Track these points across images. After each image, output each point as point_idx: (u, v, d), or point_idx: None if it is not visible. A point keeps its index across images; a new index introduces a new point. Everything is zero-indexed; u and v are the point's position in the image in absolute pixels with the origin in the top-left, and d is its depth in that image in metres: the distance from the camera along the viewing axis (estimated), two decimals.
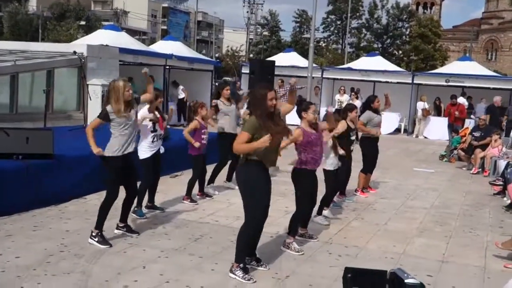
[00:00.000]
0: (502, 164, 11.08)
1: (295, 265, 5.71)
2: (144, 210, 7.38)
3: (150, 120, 7.15)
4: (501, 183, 9.98)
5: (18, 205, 6.97)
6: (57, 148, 7.78)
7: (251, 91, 5.56)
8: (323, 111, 18.02)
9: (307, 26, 67.45)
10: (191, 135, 8.09)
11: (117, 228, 6.41)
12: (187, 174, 8.81)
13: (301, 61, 26.21)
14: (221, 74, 51.33)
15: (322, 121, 7.20)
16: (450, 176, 12.58)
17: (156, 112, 7.29)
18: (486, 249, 6.68)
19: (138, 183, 6.72)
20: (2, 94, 13.16)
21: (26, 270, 5.10)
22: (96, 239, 5.95)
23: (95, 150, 5.94)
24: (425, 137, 21.47)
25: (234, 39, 70.05)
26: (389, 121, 20.59)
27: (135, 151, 6.60)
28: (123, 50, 16.45)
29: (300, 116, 6.39)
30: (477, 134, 13.66)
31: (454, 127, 17.03)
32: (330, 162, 7.45)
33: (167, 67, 19.67)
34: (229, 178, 9.33)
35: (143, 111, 7.17)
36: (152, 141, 7.18)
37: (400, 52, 66.50)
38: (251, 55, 60.19)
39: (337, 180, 7.83)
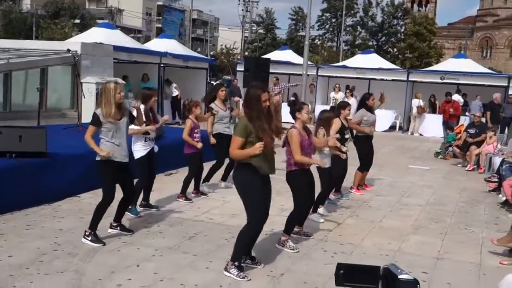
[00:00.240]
0: (497, 160, 11.09)
1: (290, 263, 5.69)
2: (139, 208, 7.34)
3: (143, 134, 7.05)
4: (496, 179, 9.99)
5: (11, 203, 6.92)
6: (51, 146, 7.73)
7: (246, 90, 5.52)
8: (318, 109, 18.00)
9: (303, 24, 67.41)
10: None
11: (110, 227, 6.36)
12: (182, 172, 8.78)
13: (296, 59, 26.17)
14: (216, 72, 51.28)
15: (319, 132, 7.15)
16: (445, 173, 12.58)
17: (150, 114, 7.19)
18: (482, 245, 6.68)
19: (135, 181, 6.67)
20: None
21: (18, 269, 5.06)
22: (90, 238, 5.90)
23: (103, 153, 5.81)
24: (420, 134, 21.48)
25: (229, 37, 69.97)
26: (384, 118, 20.61)
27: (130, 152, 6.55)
28: (117, 48, 16.38)
29: (294, 117, 6.35)
30: (472, 131, 13.67)
31: (449, 124, 17.02)
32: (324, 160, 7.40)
33: (162, 65, 19.60)
34: (224, 178, 9.28)
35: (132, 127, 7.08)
36: (145, 141, 7.14)
37: (395, 50, 66.55)
38: (246, 53, 60.10)
39: (332, 178, 7.80)
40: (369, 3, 66.99)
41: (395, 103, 21.80)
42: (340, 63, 29.31)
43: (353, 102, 16.12)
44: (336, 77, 23.49)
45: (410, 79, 22.41)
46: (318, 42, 67.98)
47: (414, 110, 21.58)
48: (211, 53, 65.49)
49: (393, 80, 22.77)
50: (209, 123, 8.83)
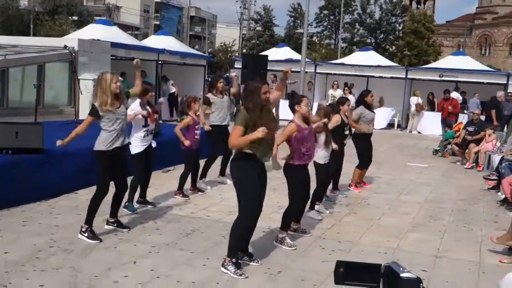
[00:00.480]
0: (496, 158, 11.05)
1: (288, 260, 5.65)
2: (136, 205, 7.30)
3: (142, 116, 7.05)
4: (495, 177, 9.95)
5: (7, 200, 6.86)
6: (48, 142, 7.65)
7: (245, 85, 5.51)
8: (316, 106, 17.95)
9: (301, 21, 67.31)
10: (183, 131, 8.00)
11: (107, 224, 6.32)
12: (179, 169, 8.73)
13: (294, 57, 26.09)
14: (213, 69, 51.19)
15: (313, 115, 7.11)
16: (444, 171, 12.55)
17: (148, 107, 7.19)
18: (481, 243, 6.64)
19: (129, 178, 6.63)
20: None
21: (14, 266, 5.02)
22: (86, 235, 5.86)
23: (60, 142, 5.90)
24: (419, 132, 21.44)
25: (227, 35, 69.83)
26: (382, 116, 20.57)
27: (127, 146, 6.51)
28: (115, 45, 16.31)
29: (293, 110, 6.31)
30: (471, 128, 13.62)
31: (447, 122, 17.00)
32: (321, 156, 7.36)
33: (160, 62, 19.54)
34: (222, 173, 9.24)
35: (134, 105, 7.09)
36: (144, 136, 7.09)
37: (394, 47, 66.47)
38: (244, 50, 60.00)
39: (328, 174, 7.77)
40: (367, 0, 66.90)
41: (393, 100, 21.79)
42: (338, 61, 29.26)
43: (351, 99, 16.04)
44: (335, 74, 23.43)
45: (408, 76, 22.35)
46: (316, 40, 67.88)
47: (413, 108, 21.53)
48: (209, 50, 65.36)
49: (391, 77, 22.72)
50: (203, 112, 8.77)
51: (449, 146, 14.59)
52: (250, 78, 6.01)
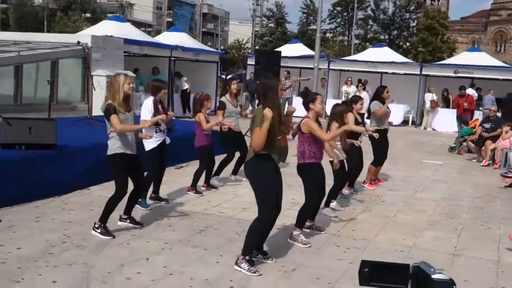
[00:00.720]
0: None
1: (303, 258, 5.57)
2: (149, 201, 7.25)
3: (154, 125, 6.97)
4: None
5: (20, 195, 6.85)
6: (61, 138, 7.66)
7: (260, 82, 5.44)
8: (329, 103, 17.82)
9: (314, 18, 67.03)
10: (195, 129, 8.02)
11: (120, 220, 6.28)
12: (193, 166, 8.69)
13: (307, 53, 25.95)
14: (226, 66, 51.15)
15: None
16: (460, 168, 12.39)
17: (160, 106, 7.11)
18: (499, 242, 6.51)
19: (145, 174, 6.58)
20: (6, 85, 13.07)
21: (27, 262, 4.99)
22: (99, 231, 5.82)
23: (146, 124, 6.07)
24: (433, 129, 21.24)
25: (240, 31, 69.75)
26: (397, 113, 20.37)
27: (140, 142, 6.46)
28: (128, 41, 16.30)
29: (307, 108, 6.21)
30: (487, 125, 13.45)
31: (463, 119, 16.80)
32: (337, 153, 7.26)
33: (172, 58, 19.51)
34: (235, 172, 9.17)
35: (147, 102, 7.03)
36: (156, 132, 7.03)
37: (407, 44, 66.00)
38: (256, 47, 59.88)
39: (344, 172, 7.67)
40: None
41: (408, 97, 21.58)
42: (352, 57, 29.05)
43: (365, 96, 15.94)
44: (348, 70, 23.26)
45: (423, 73, 22.14)
46: (329, 36, 67.57)
47: (427, 105, 21.32)
48: (221, 47, 65.33)
49: (406, 74, 22.52)
50: (220, 117, 8.67)
51: (464, 143, 14.41)
52: (263, 75, 5.92)
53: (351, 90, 19.93)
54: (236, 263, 5.10)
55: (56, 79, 13.34)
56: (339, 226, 6.82)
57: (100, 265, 5.02)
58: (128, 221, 6.29)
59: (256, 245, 5.31)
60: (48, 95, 11.48)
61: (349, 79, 20.79)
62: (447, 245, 6.29)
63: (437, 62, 34.29)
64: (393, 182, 10.02)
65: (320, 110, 6.16)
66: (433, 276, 1.53)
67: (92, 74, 13.00)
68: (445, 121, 20.58)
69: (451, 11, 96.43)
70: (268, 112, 4.89)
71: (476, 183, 10.56)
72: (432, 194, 9.23)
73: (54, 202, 7.12)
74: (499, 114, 14.97)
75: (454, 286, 1.55)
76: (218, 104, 9.01)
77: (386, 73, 22.67)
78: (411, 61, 30.37)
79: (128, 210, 6.31)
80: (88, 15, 51.66)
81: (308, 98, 6.19)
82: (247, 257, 5.11)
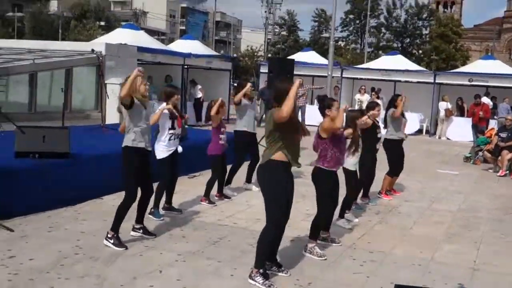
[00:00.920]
0: None
1: (318, 271, 5.46)
2: (161, 211, 7.18)
3: (169, 118, 6.93)
4: None
5: (33, 205, 6.81)
6: (74, 147, 7.62)
7: (274, 85, 5.36)
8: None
9: (326, 26, 66.98)
10: (210, 137, 7.97)
11: (133, 230, 6.21)
12: (206, 175, 8.61)
13: (320, 61, 25.89)
14: (239, 74, 51.17)
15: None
16: (476, 178, 12.22)
17: (174, 111, 7.08)
18: None
19: (155, 184, 6.52)
20: (21, 93, 13.12)
21: (39, 273, 4.92)
22: (112, 241, 5.75)
23: (167, 106, 6.31)
24: (448, 138, 21.03)
25: (252, 39, 69.87)
26: (411, 122, 20.15)
27: (152, 151, 6.41)
28: (141, 49, 16.32)
29: (323, 114, 6.12)
30: (503, 135, 13.25)
31: (479, 128, 16.60)
32: (351, 162, 7.15)
33: (185, 66, 19.51)
34: (248, 180, 9.09)
35: (161, 107, 7.00)
36: (169, 139, 6.98)
37: (420, 52, 65.68)
38: (269, 55, 59.91)
39: (358, 181, 7.56)
40: (393, 4, 66.27)
41: (422, 106, 21.39)
42: (365, 65, 28.92)
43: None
44: (361, 79, 23.14)
45: (437, 81, 21.95)
46: (342, 44, 67.43)
47: (442, 113, 21.10)
48: (234, 55, 65.44)
49: (419, 82, 22.33)
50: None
51: (480, 153, 14.23)
52: (277, 80, 5.85)
53: (365, 98, 19.81)
54: (250, 277, 5.00)
55: (70, 87, 13.39)
56: (354, 238, 6.70)
57: (113, 278, 4.95)
58: (141, 231, 6.22)
59: (269, 255, 5.20)
60: (62, 103, 11.49)
61: (363, 87, 20.67)
62: (467, 259, 6.15)
63: (451, 70, 34.06)
64: (409, 193, 9.88)
65: (336, 116, 6.06)
66: None
67: (106, 82, 13.00)
68: (460, 130, 20.38)
69: (464, 19, 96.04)
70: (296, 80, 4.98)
71: (493, 194, 10.39)
72: (448, 205, 9.08)
73: (67, 212, 7.07)
74: None
75: None
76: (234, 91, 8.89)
77: (399, 81, 22.50)
78: (425, 69, 30.13)
79: (139, 218, 6.25)
80: (102, 23, 52.03)
81: (325, 104, 6.10)
82: (261, 270, 5.02)
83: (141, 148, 5.86)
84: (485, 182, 11.80)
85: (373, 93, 19.83)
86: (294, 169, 5.17)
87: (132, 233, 6.20)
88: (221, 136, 7.98)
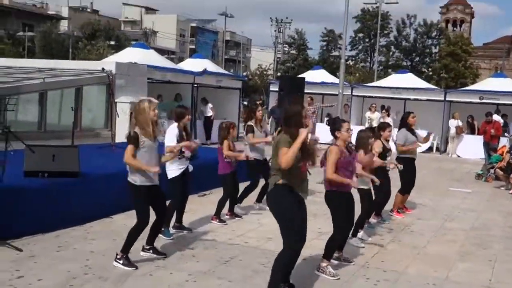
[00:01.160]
0: None
1: None
2: (172, 230, 7.12)
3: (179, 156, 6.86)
4: None
5: (42, 224, 6.76)
6: (84, 166, 7.59)
7: (284, 108, 5.31)
8: (353, 130, 17.61)
9: (335, 45, 67.14)
10: (218, 157, 7.92)
11: (143, 250, 6.13)
12: (216, 193, 8.55)
13: (330, 79, 25.88)
14: (248, 93, 51.30)
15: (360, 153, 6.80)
16: (488, 196, 12.07)
17: (184, 133, 7.02)
18: None
19: (167, 202, 6.46)
20: (31, 112, 13.15)
21: None
22: (121, 262, 5.68)
23: (154, 170, 5.66)
24: (458, 156, 20.87)
25: (262, 58, 70.17)
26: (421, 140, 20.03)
27: (162, 170, 6.37)
28: (151, 67, 16.37)
29: (334, 136, 6.05)
30: None
31: (490, 146, 16.45)
32: (364, 181, 7.07)
33: (195, 85, 19.55)
34: (259, 200, 9.00)
35: (172, 128, 6.95)
36: (179, 158, 6.92)
37: (430, 70, 65.61)
38: (278, 74, 60.09)
39: (372, 200, 7.47)
40: (402, 23, 66.39)
41: (432, 123, 21.24)
42: (375, 83, 28.87)
43: (389, 121, 15.73)
44: (371, 97, 23.11)
45: (447, 99, 21.86)
46: (351, 63, 67.51)
47: (452, 131, 20.99)
48: (244, 73, 65.68)
49: (428, 100, 22.24)
50: (250, 139, 8.55)
51: (492, 170, 14.07)
52: (288, 100, 5.79)
53: (375, 116, 19.74)
54: None
55: (80, 106, 13.40)
56: (367, 257, 6.59)
57: None
58: (151, 251, 6.15)
59: (283, 277, 5.11)
60: (72, 122, 11.50)
61: (373, 105, 20.62)
62: (482, 278, 6.03)
63: (462, 88, 33.95)
64: (421, 211, 9.76)
65: (347, 138, 6.00)
66: None
67: (115, 100, 13.02)
68: (470, 147, 20.25)
69: (474, 37, 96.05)
70: (302, 132, 4.76)
71: (506, 211, 10.24)
72: (461, 223, 8.94)
73: (76, 231, 7.01)
74: None
75: None
76: (246, 128, 8.85)
77: (409, 99, 22.42)
78: (435, 87, 30.02)
79: (150, 240, 6.18)
80: (112, 42, 52.46)
81: (336, 126, 6.03)
82: None
83: (146, 186, 5.77)
84: (498, 199, 11.65)
85: (383, 111, 19.75)
86: None
87: (142, 253, 6.12)
88: None
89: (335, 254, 6.20)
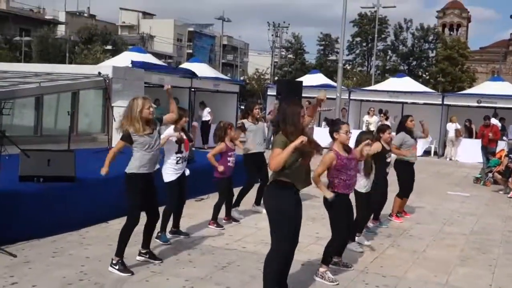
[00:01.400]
0: None
1: None
2: (168, 235, 7.04)
3: (176, 142, 6.83)
4: None
5: (37, 229, 6.68)
6: (80, 170, 7.51)
7: (281, 108, 5.21)
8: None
9: (332, 49, 67.17)
10: (217, 158, 7.80)
11: (139, 255, 6.07)
12: (213, 198, 8.47)
13: (327, 83, 25.87)
14: (246, 97, 51.27)
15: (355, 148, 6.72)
16: (487, 200, 12.02)
17: (182, 133, 6.98)
18: None
19: (161, 208, 6.38)
20: (27, 117, 13.07)
21: None
22: (117, 267, 5.61)
23: (104, 170, 5.71)
24: (456, 160, 20.84)
25: (259, 62, 70.20)
26: (419, 143, 19.98)
27: (158, 173, 6.30)
28: (148, 69, 16.29)
29: (333, 138, 5.99)
30: None
31: (489, 149, 16.41)
32: (361, 184, 7.00)
33: (192, 89, 19.48)
34: (257, 202, 8.95)
35: (168, 131, 6.89)
36: (177, 163, 6.86)
37: (427, 74, 65.70)
38: (275, 78, 60.09)
39: (370, 204, 7.39)
40: (399, 27, 66.47)
41: (430, 127, 21.13)
42: (372, 87, 28.87)
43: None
44: (368, 101, 23.09)
45: (445, 102, 21.85)
46: (348, 67, 67.54)
47: (450, 134, 20.98)
48: (241, 78, 65.67)
49: (426, 103, 22.24)
50: (237, 138, 8.50)
51: (490, 174, 14.03)
52: (286, 101, 5.69)
53: (373, 120, 19.72)
54: None
55: (77, 110, 13.32)
56: (366, 262, 6.52)
57: None
58: (147, 255, 6.08)
59: (277, 282, 4.97)
60: (68, 126, 11.43)
61: (372, 109, 20.61)
62: (482, 283, 5.97)
63: (459, 92, 33.96)
64: (420, 215, 9.70)
65: (344, 140, 5.92)
66: None
67: (112, 105, 12.95)
68: (468, 151, 20.24)
69: (470, 41, 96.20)
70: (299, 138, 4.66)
71: (505, 215, 10.18)
72: (461, 227, 8.89)
73: (72, 236, 6.93)
74: None
75: None
76: (237, 124, 8.77)
77: (407, 103, 22.41)
78: (433, 91, 30.04)
79: (145, 243, 6.11)
80: (109, 47, 52.39)
81: (334, 127, 5.96)
82: None
83: (145, 174, 5.75)
84: (497, 203, 11.60)
85: (381, 114, 19.72)
86: (303, 191, 5.02)
87: (138, 257, 6.05)
88: (229, 158, 7.87)
89: (334, 259, 6.13)
